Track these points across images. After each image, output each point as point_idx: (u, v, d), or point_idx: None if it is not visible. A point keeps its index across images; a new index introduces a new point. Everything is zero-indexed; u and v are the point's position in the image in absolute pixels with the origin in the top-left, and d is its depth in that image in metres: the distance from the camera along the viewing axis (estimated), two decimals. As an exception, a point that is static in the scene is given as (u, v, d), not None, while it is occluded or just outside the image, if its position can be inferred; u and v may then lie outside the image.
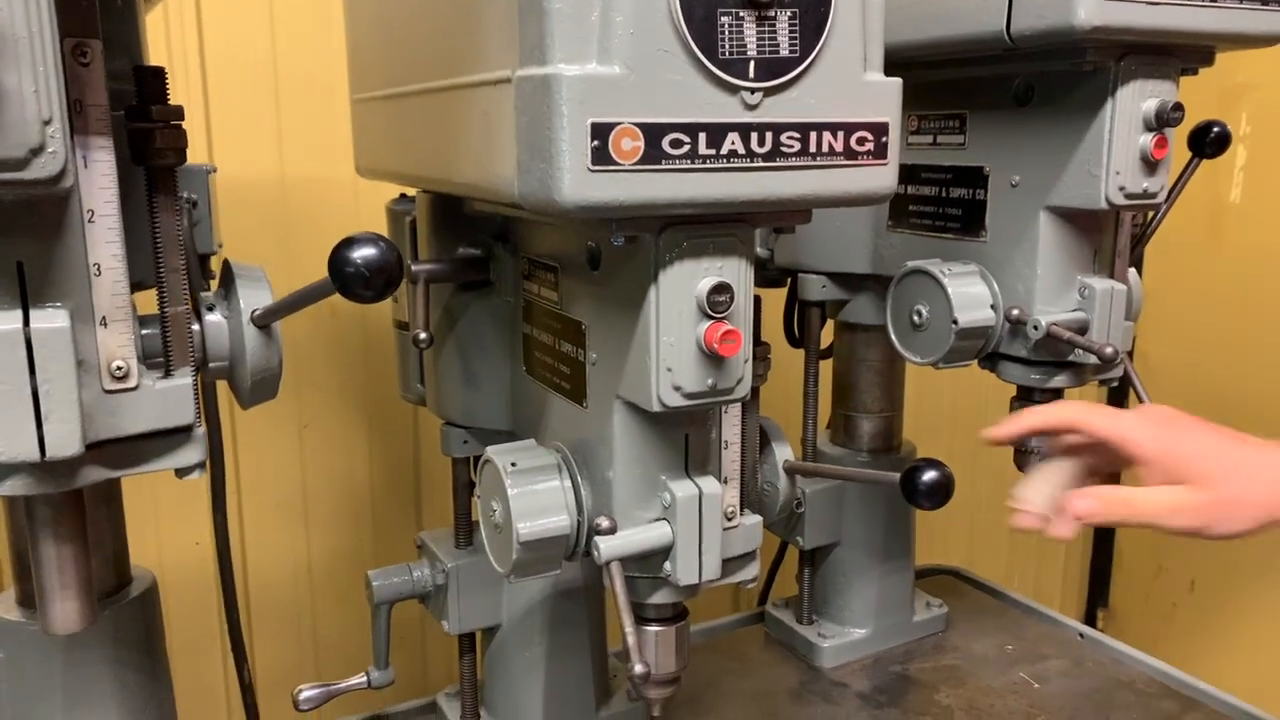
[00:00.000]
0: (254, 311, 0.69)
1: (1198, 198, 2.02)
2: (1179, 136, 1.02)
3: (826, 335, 1.34)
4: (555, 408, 0.88)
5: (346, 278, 0.57)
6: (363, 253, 0.57)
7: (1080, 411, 0.84)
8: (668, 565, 0.79)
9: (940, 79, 1.05)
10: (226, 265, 0.72)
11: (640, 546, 0.77)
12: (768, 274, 1.29)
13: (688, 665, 0.87)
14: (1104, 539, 2.33)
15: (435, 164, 0.84)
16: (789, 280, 1.31)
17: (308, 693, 1.06)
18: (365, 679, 1.09)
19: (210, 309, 0.70)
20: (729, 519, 0.83)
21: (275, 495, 1.58)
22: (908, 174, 1.11)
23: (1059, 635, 1.36)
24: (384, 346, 1.56)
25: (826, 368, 1.36)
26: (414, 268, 0.93)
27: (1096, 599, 2.35)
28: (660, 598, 0.82)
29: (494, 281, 0.96)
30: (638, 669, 0.75)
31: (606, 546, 0.77)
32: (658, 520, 0.79)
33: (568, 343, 0.84)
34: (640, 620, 0.86)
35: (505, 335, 0.97)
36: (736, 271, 0.72)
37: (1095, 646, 1.34)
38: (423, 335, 0.87)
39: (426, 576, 1.06)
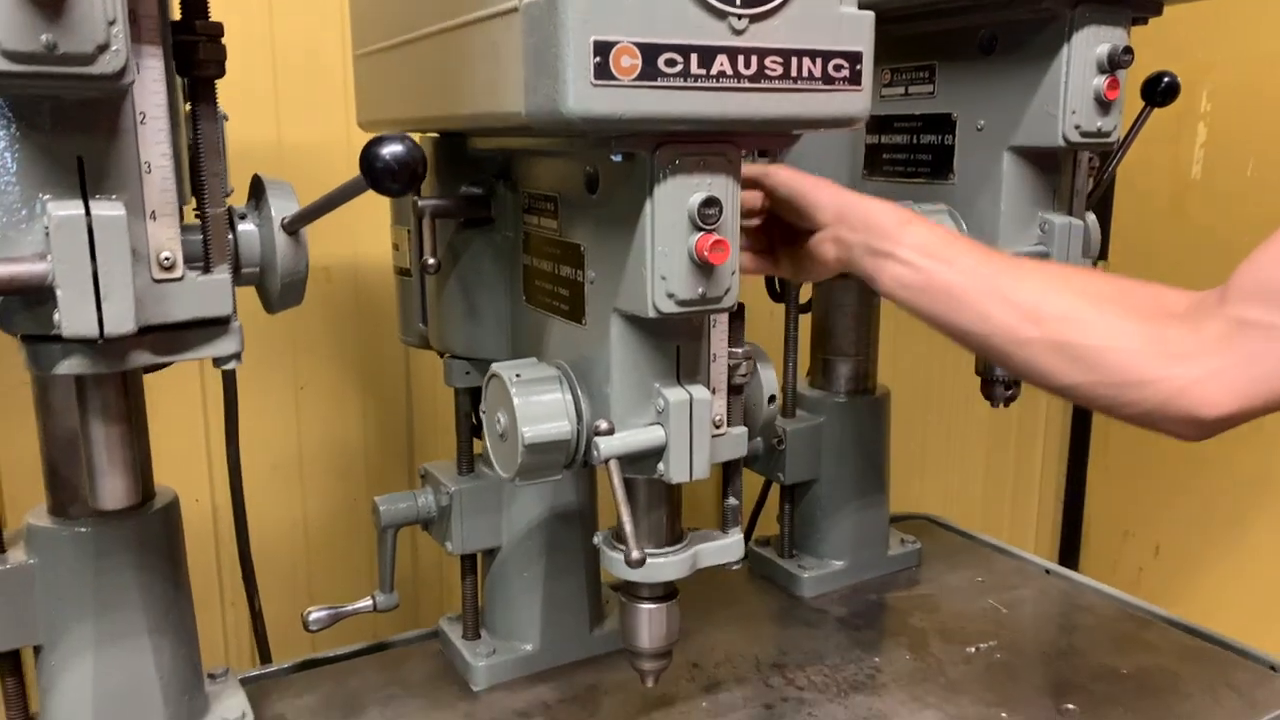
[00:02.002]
0: (284, 218, 0.75)
1: (1160, 175, 2.11)
2: (1132, 89, 1.10)
3: (806, 292, 1.41)
4: (554, 330, 0.94)
5: (377, 173, 0.63)
6: (391, 149, 0.63)
7: (768, 169, 0.98)
8: (661, 466, 0.85)
9: (911, 33, 1.12)
10: (256, 178, 0.78)
11: (636, 446, 0.84)
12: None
13: (678, 640, 0.96)
14: (1074, 505, 2.41)
15: (442, 102, 0.90)
16: (770, 236, 1.37)
17: (316, 614, 1.12)
18: (371, 602, 1.14)
19: (242, 218, 0.75)
20: (717, 427, 0.90)
21: (272, 456, 1.62)
22: (881, 124, 1.18)
23: (1027, 570, 1.44)
24: (378, 309, 1.62)
25: (805, 323, 1.43)
26: (420, 203, 0.99)
27: (1065, 564, 2.43)
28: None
29: (495, 218, 1.03)
30: (634, 555, 0.81)
31: (605, 445, 0.83)
32: (652, 425, 0.85)
33: (567, 266, 0.90)
34: (633, 598, 0.95)
35: (505, 269, 1.04)
36: (725, 188, 0.78)
37: (1061, 579, 1.42)
38: (431, 260, 0.93)
39: (430, 502, 1.12)
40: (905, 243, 0.88)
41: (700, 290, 0.79)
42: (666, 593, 0.95)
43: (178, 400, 1.45)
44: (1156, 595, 2.23)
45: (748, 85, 0.74)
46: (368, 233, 1.55)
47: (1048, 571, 1.44)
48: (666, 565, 0.92)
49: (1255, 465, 1.98)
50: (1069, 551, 2.42)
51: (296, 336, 1.59)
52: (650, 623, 0.94)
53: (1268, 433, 1.99)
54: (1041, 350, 0.82)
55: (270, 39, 1.50)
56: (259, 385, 1.56)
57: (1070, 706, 1.09)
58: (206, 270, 0.71)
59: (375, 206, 1.34)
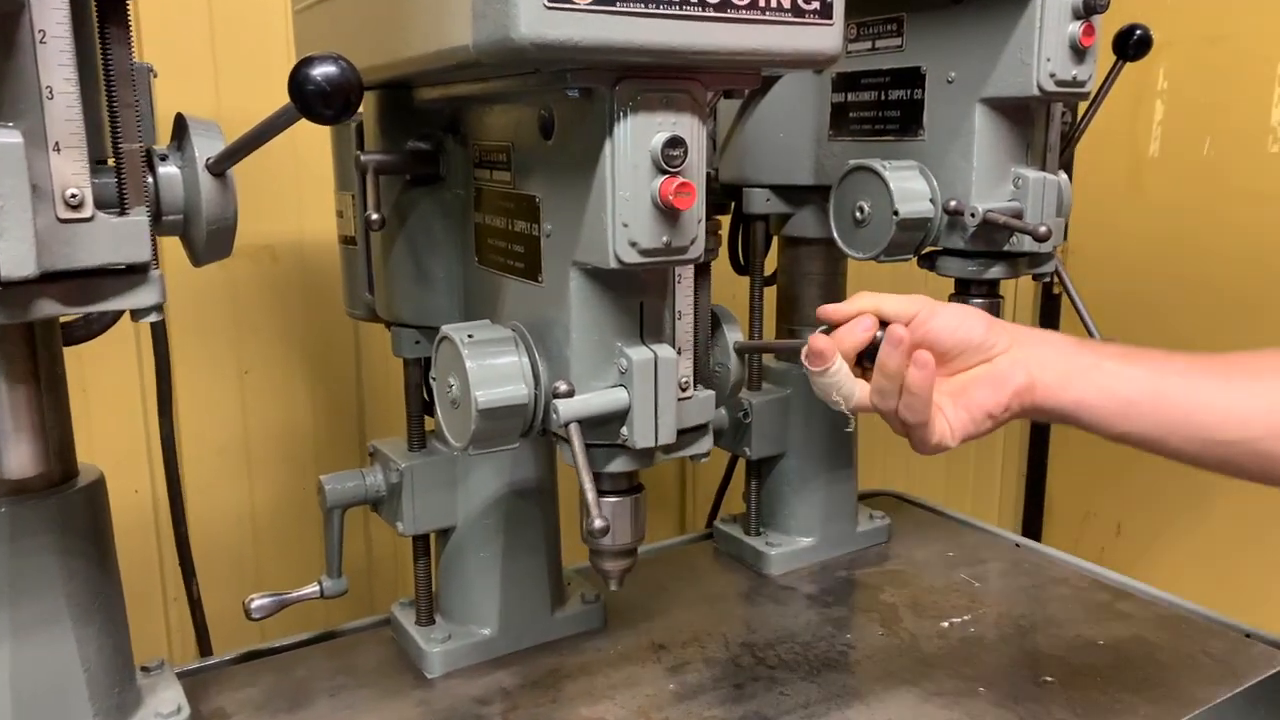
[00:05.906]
0: (208, 159, 0.68)
1: (1118, 153, 2.10)
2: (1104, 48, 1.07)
3: (770, 263, 1.36)
4: (509, 291, 0.88)
5: (308, 96, 0.57)
6: (323, 69, 0.57)
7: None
8: (625, 430, 0.80)
9: (878, -16, 1.08)
10: (179, 117, 0.72)
11: (598, 408, 0.79)
12: (712, 196, 1.31)
13: (643, 538, 0.89)
14: (1036, 486, 2.40)
15: (385, 48, 0.84)
16: (733, 205, 1.33)
17: (259, 601, 1.05)
18: (318, 588, 1.08)
19: (163, 159, 0.69)
20: (683, 389, 0.85)
21: (217, 441, 1.55)
22: (848, 81, 1.14)
23: (996, 544, 1.41)
24: (325, 289, 1.55)
25: (770, 295, 1.39)
26: (363, 158, 0.93)
27: (1029, 544, 2.43)
28: (618, 466, 0.83)
29: (444, 175, 0.97)
30: (597, 524, 0.76)
31: (565, 408, 0.78)
32: (615, 387, 0.80)
33: (521, 220, 0.85)
34: (595, 492, 0.87)
35: (456, 230, 0.98)
36: (690, 128, 0.73)
37: (1031, 553, 1.39)
38: (374, 215, 0.87)
39: (379, 481, 1.06)
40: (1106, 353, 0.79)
41: (665, 239, 0.74)
42: (631, 485, 0.87)
43: (116, 391, 1.38)
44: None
45: (712, 15, 0.69)
46: (312, 211, 1.49)
47: (1017, 545, 1.41)
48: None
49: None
50: (1032, 534, 2.41)
51: (240, 318, 1.52)
52: (614, 517, 0.86)
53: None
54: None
55: (208, 7, 1.43)
56: (202, 371, 1.49)
57: (1048, 679, 1.05)
58: (122, 213, 0.64)
59: (319, 183, 1.28)
